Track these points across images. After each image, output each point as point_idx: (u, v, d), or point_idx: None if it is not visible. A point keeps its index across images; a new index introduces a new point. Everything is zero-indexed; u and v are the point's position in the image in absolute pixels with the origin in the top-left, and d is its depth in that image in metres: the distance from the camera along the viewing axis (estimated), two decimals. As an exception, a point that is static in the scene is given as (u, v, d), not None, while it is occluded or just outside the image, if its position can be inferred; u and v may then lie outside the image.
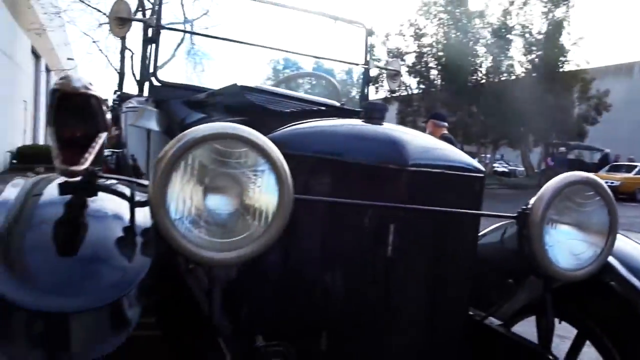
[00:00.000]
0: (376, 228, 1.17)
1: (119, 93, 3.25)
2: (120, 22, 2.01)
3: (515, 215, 1.28)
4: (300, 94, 2.12)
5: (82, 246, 0.88)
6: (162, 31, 2.47)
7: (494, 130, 22.07)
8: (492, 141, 23.73)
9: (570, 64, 21.55)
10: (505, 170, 27.60)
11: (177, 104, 2.27)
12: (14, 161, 13.91)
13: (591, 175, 1.28)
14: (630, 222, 9.67)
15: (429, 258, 1.26)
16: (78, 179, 1.02)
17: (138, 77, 3.19)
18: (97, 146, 0.93)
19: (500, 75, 22.29)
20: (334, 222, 1.20)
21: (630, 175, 17.04)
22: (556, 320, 1.42)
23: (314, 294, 1.21)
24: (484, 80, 22.42)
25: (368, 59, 2.64)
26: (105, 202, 1.01)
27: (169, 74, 2.48)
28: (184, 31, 2.86)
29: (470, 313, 1.45)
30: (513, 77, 22.25)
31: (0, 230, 0.87)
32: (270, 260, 1.19)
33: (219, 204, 0.99)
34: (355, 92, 3.26)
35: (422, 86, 23.82)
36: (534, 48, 21.79)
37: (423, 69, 23.42)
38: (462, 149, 1.73)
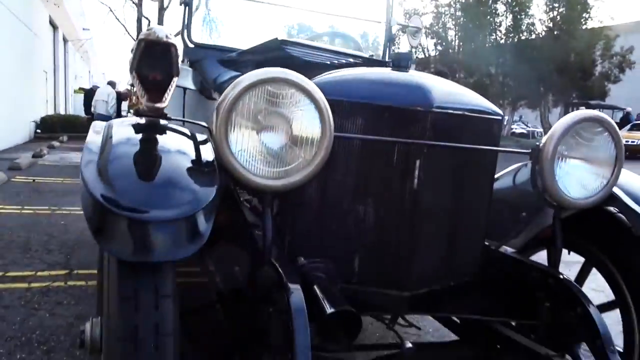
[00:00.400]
0: (404, 163, 1.33)
1: None
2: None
3: (529, 151, 1.42)
4: (334, 47, 2.24)
5: (159, 173, 1.05)
6: None
7: (512, 91, 21.72)
8: (510, 102, 23.39)
9: (594, 21, 20.91)
10: (524, 131, 27.23)
11: (211, 64, 2.41)
12: (38, 130, 14.27)
13: (598, 112, 1.41)
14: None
15: (451, 191, 1.42)
16: (144, 120, 1.18)
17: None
18: (172, 89, 1.10)
19: (520, 34, 21.75)
20: (366, 158, 1.35)
21: (652, 134, 16.72)
22: (565, 252, 1.58)
23: (348, 222, 1.38)
24: (502, 40, 21.92)
25: (390, 16, 2.73)
26: (174, 139, 1.18)
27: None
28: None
29: (486, 243, 1.61)
30: (533, 36, 21.70)
31: (95, 163, 1.04)
32: (310, 194, 1.36)
33: (271, 138, 1.16)
34: (370, 55, 3.33)
35: (439, 48, 23.44)
36: (555, 5, 21.13)
37: (440, 29, 22.99)
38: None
